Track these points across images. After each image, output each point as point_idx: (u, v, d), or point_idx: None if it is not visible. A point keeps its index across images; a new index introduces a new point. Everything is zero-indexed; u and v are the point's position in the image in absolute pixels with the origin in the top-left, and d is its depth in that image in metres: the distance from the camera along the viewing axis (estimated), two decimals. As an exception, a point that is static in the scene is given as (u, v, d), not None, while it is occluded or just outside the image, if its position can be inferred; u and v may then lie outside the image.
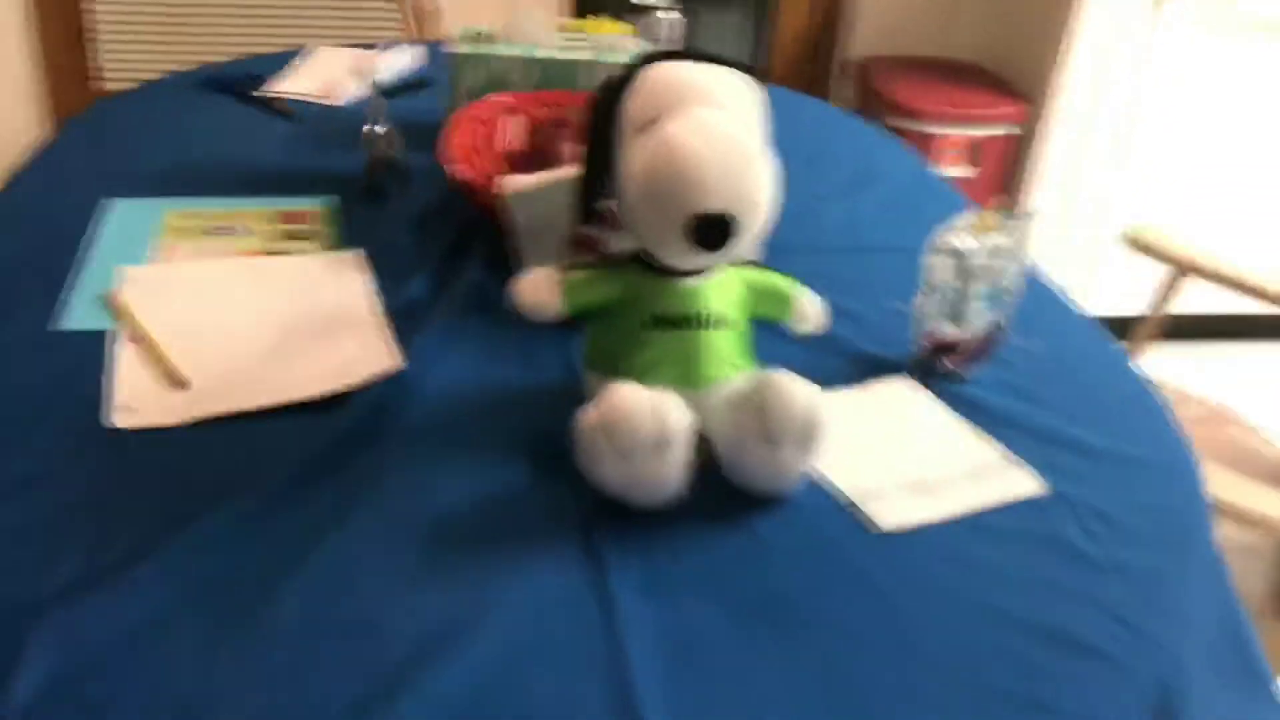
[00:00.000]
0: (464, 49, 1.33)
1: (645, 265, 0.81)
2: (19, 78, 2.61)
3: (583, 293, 0.83)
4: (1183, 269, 1.61)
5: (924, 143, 2.53)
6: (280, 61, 1.66)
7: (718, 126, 0.74)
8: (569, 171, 0.97)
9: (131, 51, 2.68)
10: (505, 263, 1.06)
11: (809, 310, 0.88)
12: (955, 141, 2.54)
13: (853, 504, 0.81)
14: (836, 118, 1.70)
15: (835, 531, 0.80)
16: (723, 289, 0.83)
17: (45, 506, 0.76)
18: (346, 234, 1.16)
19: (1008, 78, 2.66)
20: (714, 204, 0.72)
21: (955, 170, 2.56)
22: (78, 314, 0.97)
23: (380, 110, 1.21)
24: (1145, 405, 1.01)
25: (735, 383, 0.82)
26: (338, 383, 0.88)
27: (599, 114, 0.80)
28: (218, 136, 1.40)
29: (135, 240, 1.11)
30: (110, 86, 2.70)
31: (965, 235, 0.94)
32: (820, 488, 0.83)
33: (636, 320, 0.81)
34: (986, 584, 0.77)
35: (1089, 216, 2.63)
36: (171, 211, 1.17)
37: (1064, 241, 2.65)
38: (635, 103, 0.78)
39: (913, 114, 2.54)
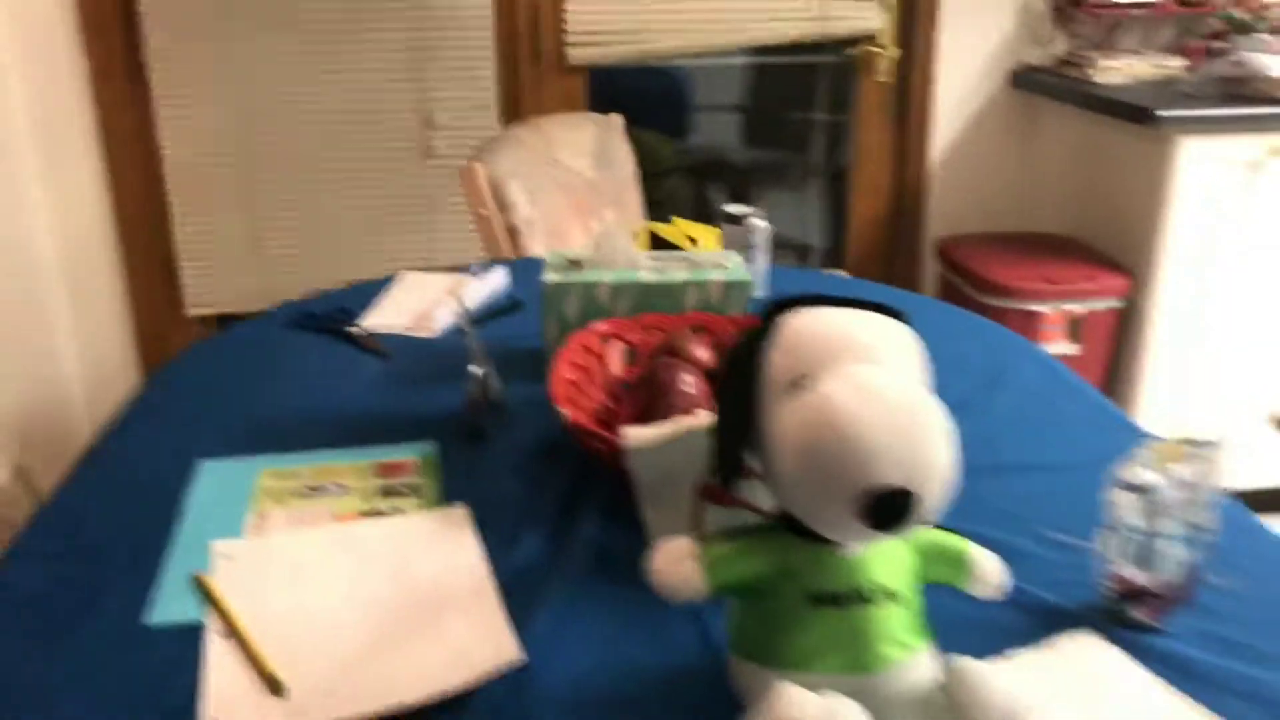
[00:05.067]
0: (554, 278, 1.29)
1: (796, 532, 0.71)
2: (110, 311, 2.67)
3: (728, 569, 0.73)
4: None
5: (1022, 321, 2.44)
6: (368, 291, 1.64)
7: (885, 385, 0.65)
8: (696, 421, 0.89)
9: (215, 278, 2.73)
10: (626, 514, 0.97)
11: (987, 572, 0.76)
12: (1056, 319, 2.44)
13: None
14: (943, 313, 1.62)
15: None
16: (888, 557, 0.72)
17: None
18: (449, 483, 1.08)
19: (1104, 249, 2.58)
20: (889, 478, 0.62)
21: (1057, 348, 2.46)
22: (168, 603, 0.89)
23: (477, 348, 1.16)
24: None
25: (913, 667, 0.71)
26: (449, 682, 0.78)
27: (736, 368, 0.72)
28: (310, 381, 1.35)
29: (228, 508, 1.04)
30: (194, 313, 2.74)
31: (1148, 468, 0.82)
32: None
33: (791, 598, 0.71)
34: None
35: (1208, 390, 2.49)
36: (266, 471, 1.11)
37: (1179, 416, 2.50)
38: (779, 357, 0.69)
39: (1009, 292, 2.46)
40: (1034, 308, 2.43)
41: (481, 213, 1.90)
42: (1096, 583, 0.87)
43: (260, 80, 2.60)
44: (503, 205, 1.93)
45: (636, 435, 0.90)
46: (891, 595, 0.71)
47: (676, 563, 0.72)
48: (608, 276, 1.29)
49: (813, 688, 0.70)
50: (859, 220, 2.97)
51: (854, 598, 0.70)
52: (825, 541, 0.70)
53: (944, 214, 2.91)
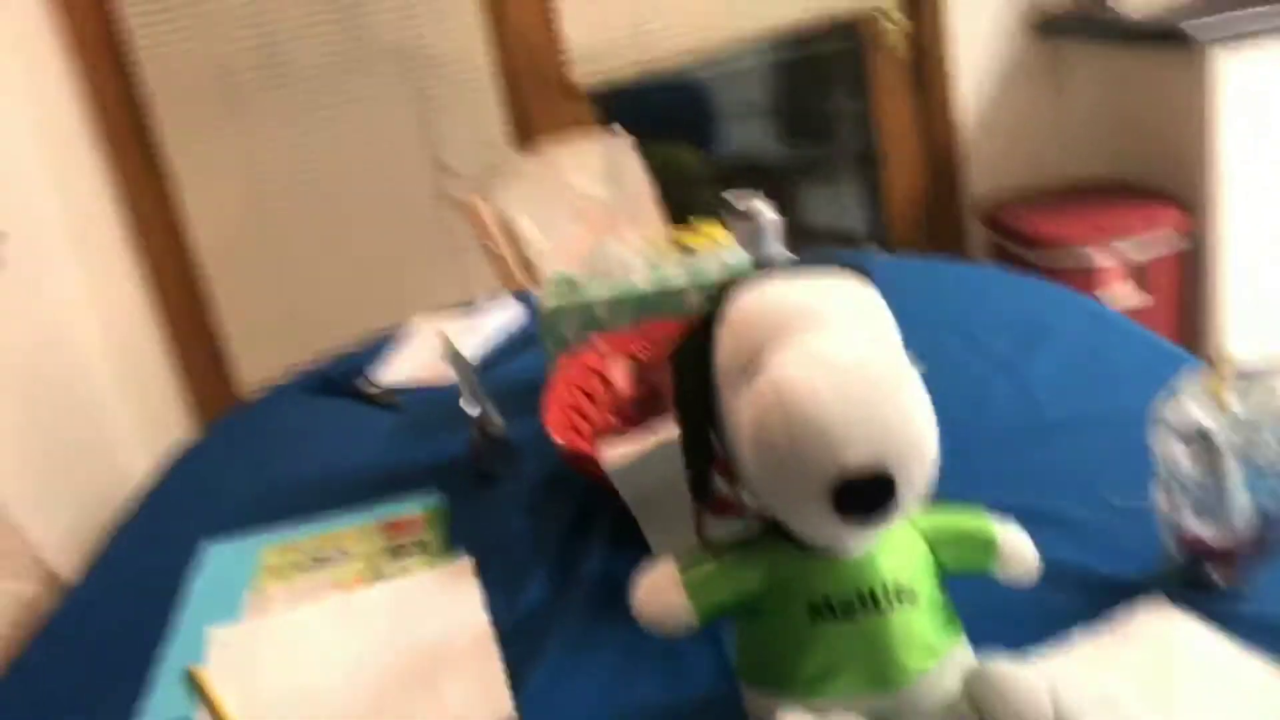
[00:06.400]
0: (550, 302, 1.22)
1: (787, 538, 0.62)
2: (166, 400, 2.68)
3: (714, 591, 0.64)
4: None
5: (1082, 277, 2.30)
6: (382, 345, 1.60)
7: (840, 353, 0.56)
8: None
9: (259, 345, 2.71)
10: (632, 539, 0.89)
11: (1017, 552, 0.66)
12: (1115, 269, 2.29)
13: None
14: (980, 276, 1.51)
15: None
16: (898, 550, 0.63)
17: None
18: (457, 531, 1.02)
19: (1155, 186, 2.42)
20: (858, 457, 0.53)
21: (1123, 300, 2.31)
22: (162, 701, 0.84)
23: (470, 388, 1.09)
24: None
25: (944, 672, 0.61)
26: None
27: (685, 360, 0.64)
28: (321, 445, 1.30)
29: (229, 590, 0.99)
30: (248, 381, 2.73)
31: (1198, 403, 0.72)
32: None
33: (792, 613, 0.62)
34: None
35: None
36: (268, 548, 1.05)
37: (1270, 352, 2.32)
38: (727, 342, 0.61)
39: (1059, 245, 2.32)
40: (1089, 258, 2.29)
41: (491, 248, 1.85)
42: (1162, 546, 0.77)
43: (269, 147, 2.60)
44: (512, 239, 1.88)
45: (614, 454, 0.82)
46: (908, 595, 0.62)
47: (659, 592, 0.64)
48: (604, 292, 1.22)
49: (830, 711, 0.61)
50: (897, 198, 2.86)
51: (862, 605, 0.61)
52: (820, 544, 0.62)
53: (985, 176, 2.77)
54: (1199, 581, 0.74)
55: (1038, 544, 0.79)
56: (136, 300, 2.62)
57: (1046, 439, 0.99)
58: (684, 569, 0.64)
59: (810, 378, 0.55)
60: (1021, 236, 2.42)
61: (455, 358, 1.11)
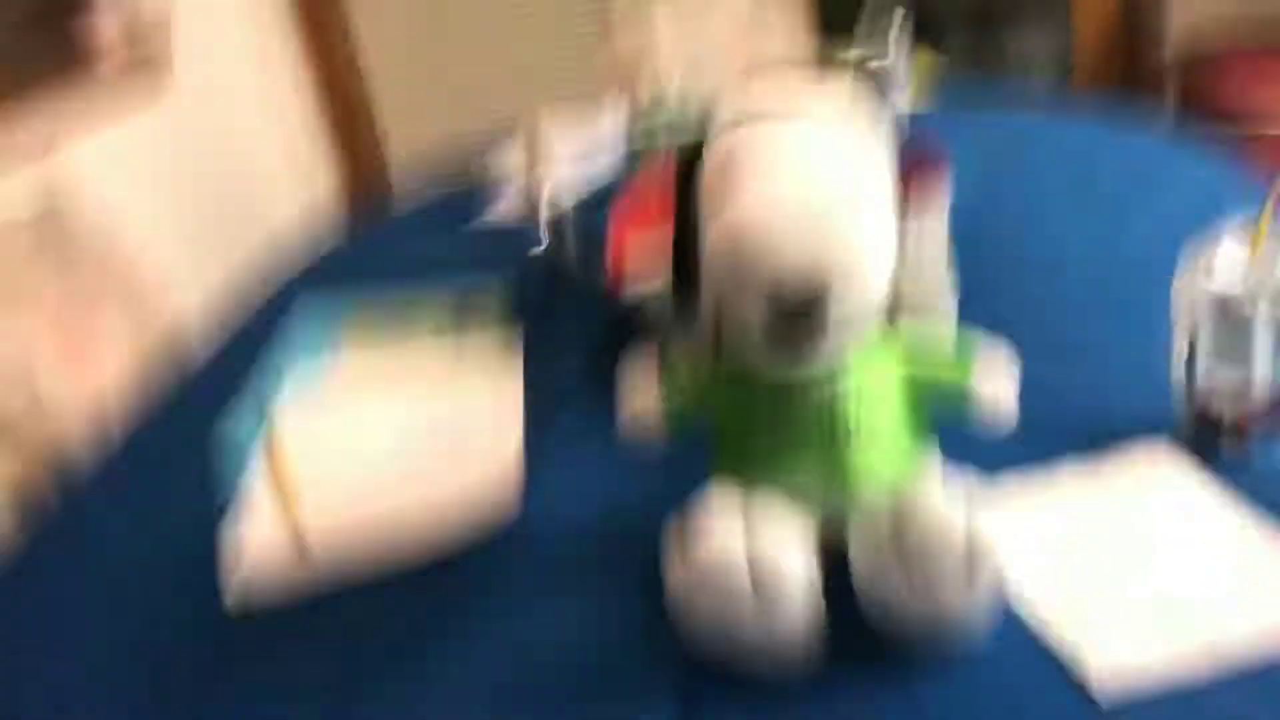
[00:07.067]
0: (640, 123, 1.23)
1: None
2: (311, 161, 2.82)
3: (683, 399, 0.67)
4: None
5: (1268, 147, 2.11)
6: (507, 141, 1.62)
7: (791, 187, 0.56)
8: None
9: (414, 130, 2.80)
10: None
11: (991, 405, 0.65)
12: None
13: (1066, 654, 0.59)
14: (1106, 134, 1.42)
15: (1036, 695, 0.58)
16: (868, 384, 0.63)
17: (144, 678, 0.72)
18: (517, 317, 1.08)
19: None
20: (791, 277, 0.54)
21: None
22: (235, 455, 0.95)
23: (545, 206, 1.13)
24: None
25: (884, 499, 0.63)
26: (447, 527, 0.78)
27: (679, 192, 0.65)
28: (427, 269, 1.37)
29: (316, 339, 1.11)
30: (396, 151, 2.86)
31: (1232, 255, 0.68)
32: (1019, 627, 0.61)
33: (759, 434, 0.64)
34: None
35: None
36: (356, 308, 1.16)
37: None
38: (709, 175, 0.61)
39: (1243, 115, 2.13)
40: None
41: (618, 53, 1.85)
42: (1176, 401, 0.74)
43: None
44: (643, 42, 1.87)
45: (636, 279, 0.85)
46: (873, 430, 0.62)
47: (638, 404, 0.68)
48: (675, 114, 1.22)
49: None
50: (1088, 36, 2.65)
51: (825, 434, 0.62)
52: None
53: (1186, 26, 2.53)
54: (1208, 442, 0.72)
55: (1058, 374, 0.79)
56: (300, 82, 2.73)
57: (1125, 278, 0.98)
58: (662, 379, 0.68)
59: (758, 214, 0.55)
60: (1206, 101, 2.23)
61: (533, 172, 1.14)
